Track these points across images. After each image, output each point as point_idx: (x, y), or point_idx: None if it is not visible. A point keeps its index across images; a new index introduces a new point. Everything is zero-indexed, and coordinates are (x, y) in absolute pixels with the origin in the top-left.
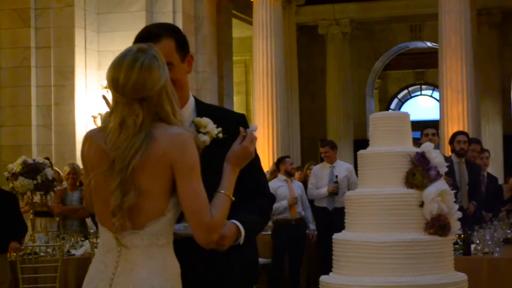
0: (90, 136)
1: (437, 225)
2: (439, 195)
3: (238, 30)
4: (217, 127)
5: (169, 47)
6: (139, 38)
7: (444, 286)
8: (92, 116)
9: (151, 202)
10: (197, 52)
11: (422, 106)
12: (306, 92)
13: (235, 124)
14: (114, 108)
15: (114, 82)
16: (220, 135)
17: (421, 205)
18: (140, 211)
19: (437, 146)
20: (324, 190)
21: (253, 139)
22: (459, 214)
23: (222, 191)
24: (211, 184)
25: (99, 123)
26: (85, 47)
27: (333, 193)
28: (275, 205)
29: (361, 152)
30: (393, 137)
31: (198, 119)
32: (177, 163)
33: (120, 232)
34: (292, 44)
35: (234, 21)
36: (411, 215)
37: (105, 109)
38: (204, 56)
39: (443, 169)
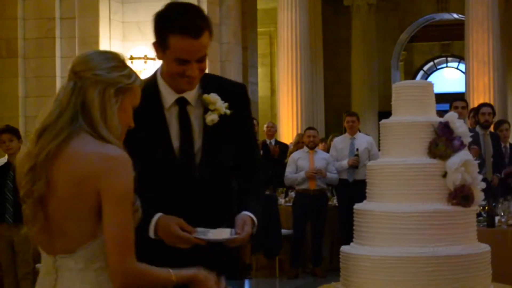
0: None
1: (460, 196)
2: (462, 165)
3: (262, 1)
4: (224, 103)
5: (207, 39)
6: (183, 31)
7: (467, 257)
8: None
9: (76, 225)
10: (221, 23)
11: (448, 78)
12: (330, 64)
13: (238, 95)
14: None
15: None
16: (228, 111)
17: (444, 175)
18: (66, 234)
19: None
20: (344, 163)
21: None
22: (483, 185)
23: (170, 270)
24: (219, 162)
25: None
26: (110, 18)
27: (353, 166)
28: (293, 176)
29: (383, 122)
30: (417, 107)
31: (207, 96)
32: (107, 189)
33: (53, 251)
34: (317, 15)
35: None
36: (434, 185)
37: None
38: (228, 27)
39: (467, 139)
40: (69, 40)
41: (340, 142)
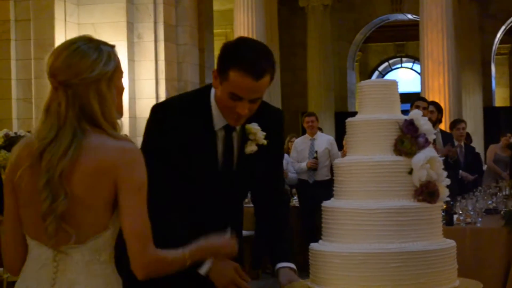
0: (16, 147)
1: (426, 192)
2: (427, 162)
3: (218, 2)
4: (262, 133)
5: (267, 83)
6: (246, 69)
7: (433, 253)
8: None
9: (91, 214)
10: (178, 24)
11: (403, 78)
12: (287, 65)
13: (275, 124)
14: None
15: (47, 62)
16: (265, 141)
17: (410, 172)
18: (80, 223)
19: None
20: (303, 164)
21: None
22: (448, 181)
23: (184, 249)
24: (248, 186)
25: None
26: (65, 20)
27: (312, 168)
28: None
29: (349, 120)
30: (382, 105)
31: (249, 126)
32: (124, 180)
33: (57, 242)
34: (273, 16)
35: None
36: (400, 182)
37: None
38: (184, 28)
39: (432, 137)
40: (24, 42)
41: (300, 143)
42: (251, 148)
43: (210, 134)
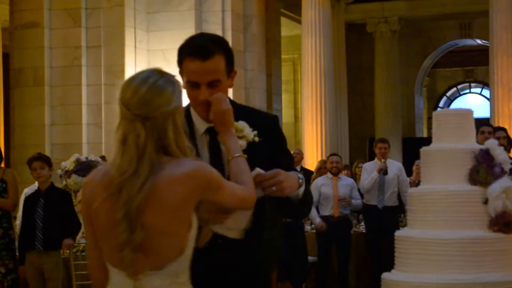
0: (90, 178)
1: (501, 222)
2: (503, 192)
3: (286, 28)
4: (252, 130)
5: (220, 64)
6: (191, 53)
7: (508, 284)
8: None
9: (169, 242)
10: (246, 50)
11: (471, 104)
12: (354, 90)
13: (268, 126)
14: (117, 125)
15: (122, 95)
16: (256, 138)
17: (485, 202)
18: (159, 251)
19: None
20: (374, 173)
21: (218, 98)
22: None
23: (236, 155)
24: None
25: None
26: (135, 46)
27: (383, 172)
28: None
29: (424, 149)
30: (457, 134)
31: (235, 123)
32: (208, 196)
33: (135, 271)
34: (340, 42)
35: (283, 20)
36: (475, 212)
37: None
38: (252, 54)
39: (508, 166)
40: (95, 68)
41: (370, 166)
42: (239, 144)
43: (192, 141)
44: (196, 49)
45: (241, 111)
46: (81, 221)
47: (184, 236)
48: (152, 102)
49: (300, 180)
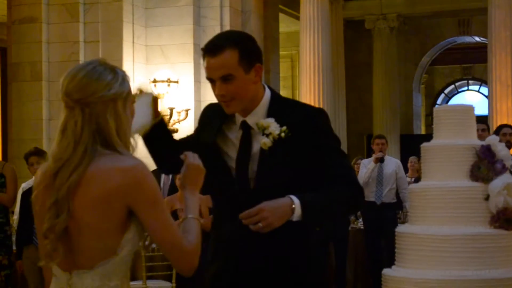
0: (38, 173)
1: (502, 219)
2: (505, 188)
3: (284, 24)
4: (281, 126)
5: (230, 58)
6: (205, 50)
7: (509, 280)
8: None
9: (99, 241)
10: None
11: (469, 101)
12: (352, 87)
13: (306, 120)
14: (61, 114)
15: (62, 84)
16: (283, 134)
17: (487, 198)
18: (86, 250)
19: None
20: (371, 164)
21: (194, 155)
22: None
23: (190, 216)
24: (275, 186)
25: None
26: (133, 42)
27: (380, 160)
28: None
29: (424, 145)
30: (457, 130)
31: (261, 121)
32: (136, 201)
33: (69, 266)
34: (339, 39)
35: (281, 16)
36: (476, 208)
37: None
38: None
39: (509, 162)
40: None
41: (368, 162)
42: (263, 141)
43: (227, 132)
44: (208, 46)
45: (281, 104)
46: None
47: (116, 236)
48: (89, 85)
49: (294, 206)
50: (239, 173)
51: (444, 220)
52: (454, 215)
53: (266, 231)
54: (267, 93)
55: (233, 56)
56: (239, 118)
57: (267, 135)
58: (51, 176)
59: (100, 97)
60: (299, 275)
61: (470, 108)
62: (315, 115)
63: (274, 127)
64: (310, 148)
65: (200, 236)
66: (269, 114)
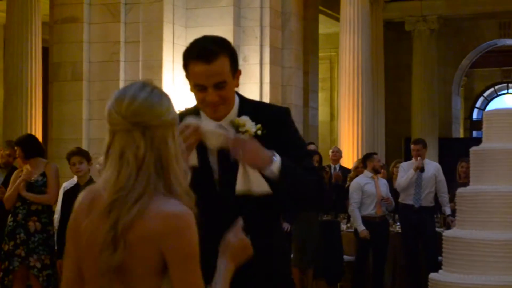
0: (79, 201)
1: None
2: None
3: (324, 26)
4: (256, 124)
5: (224, 65)
6: (197, 56)
7: None
8: (179, 110)
9: (140, 280)
10: (284, 47)
11: (509, 104)
12: (391, 89)
13: (277, 118)
14: (111, 140)
15: (116, 105)
16: (259, 131)
17: None
18: None
19: None
20: (410, 171)
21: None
22: None
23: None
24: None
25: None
26: (173, 42)
27: (420, 170)
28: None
29: (474, 149)
30: (508, 134)
31: (236, 119)
32: (169, 251)
33: None
34: (378, 40)
35: (321, 17)
36: None
37: (191, 103)
38: (290, 51)
39: None
40: (133, 63)
41: (408, 166)
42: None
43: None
44: (201, 52)
45: (250, 106)
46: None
47: (157, 277)
48: (154, 108)
49: (275, 159)
50: (223, 177)
51: (494, 225)
52: (504, 219)
53: (242, 161)
54: (236, 96)
55: (226, 63)
56: (210, 122)
57: (243, 133)
58: (107, 208)
59: (163, 121)
60: (264, 266)
61: None
62: (285, 113)
63: (250, 124)
64: (281, 145)
65: None
66: (239, 114)
